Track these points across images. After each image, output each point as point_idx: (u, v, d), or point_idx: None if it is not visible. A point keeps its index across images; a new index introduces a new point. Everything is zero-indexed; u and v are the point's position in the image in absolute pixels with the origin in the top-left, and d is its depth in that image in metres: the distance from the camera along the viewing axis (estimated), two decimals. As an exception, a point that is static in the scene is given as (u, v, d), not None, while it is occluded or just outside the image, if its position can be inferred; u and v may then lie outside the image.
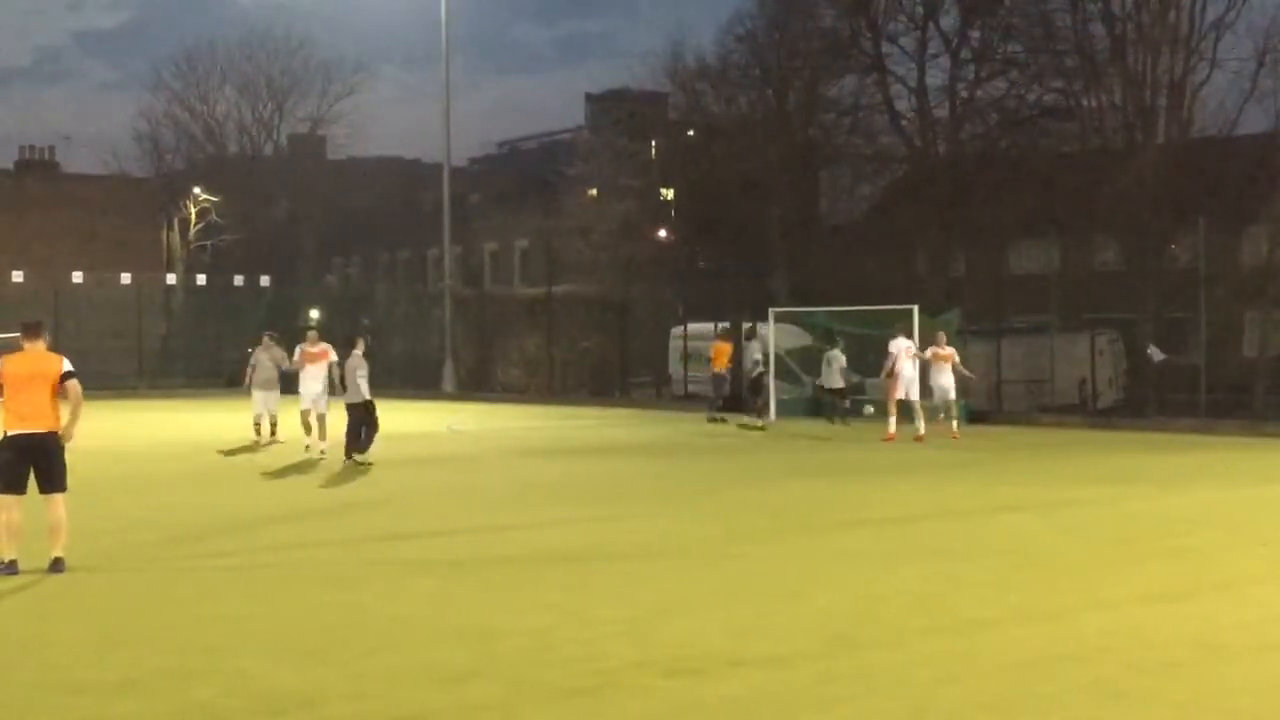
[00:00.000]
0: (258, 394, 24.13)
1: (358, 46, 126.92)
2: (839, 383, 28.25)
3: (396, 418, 20.06)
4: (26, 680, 7.76)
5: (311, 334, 22.89)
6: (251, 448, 23.11)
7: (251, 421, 24.18)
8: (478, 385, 45.10)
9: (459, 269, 55.37)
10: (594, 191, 52.33)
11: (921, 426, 23.85)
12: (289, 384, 23.71)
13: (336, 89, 70.47)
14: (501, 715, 7.09)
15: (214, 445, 23.27)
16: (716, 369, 29.94)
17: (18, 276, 48.86)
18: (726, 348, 29.96)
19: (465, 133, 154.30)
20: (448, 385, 46.03)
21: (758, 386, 28.89)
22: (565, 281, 48.72)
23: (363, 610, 9.69)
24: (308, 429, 21.94)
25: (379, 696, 7.37)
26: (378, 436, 20.20)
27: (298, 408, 22.28)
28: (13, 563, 11.00)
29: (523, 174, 62.40)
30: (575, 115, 61.23)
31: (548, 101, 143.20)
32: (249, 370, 24.58)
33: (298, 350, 22.65)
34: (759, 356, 28.78)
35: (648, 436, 26.12)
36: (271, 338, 24.77)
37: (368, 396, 20.16)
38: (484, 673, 7.85)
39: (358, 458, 19.87)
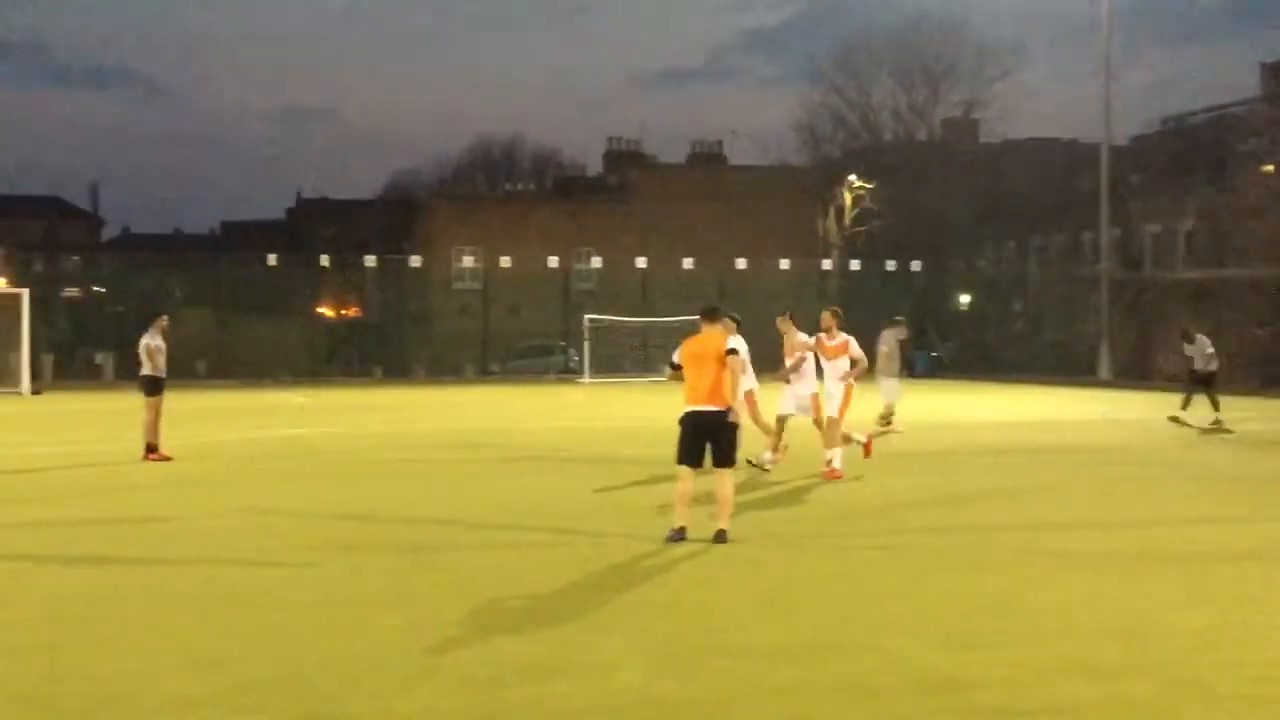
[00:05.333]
0: (886, 381, 22.07)
1: (1013, 26, 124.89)
2: None
3: (1045, 403, 19.65)
4: (692, 641, 8.30)
5: (828, 316, 17.46)
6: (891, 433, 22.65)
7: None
8: (1136, 373, 43.44)
9: (1116, 252, 53.45)
10: (1270, 167, 48.79)
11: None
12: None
13: (991, 71, 70.05)
14: (1156, 715, 6.79)
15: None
16: None
17: (687, 263, 52.46)
18: None
19: (1125, 109, 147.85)
20: (1103, 372, 44.64)
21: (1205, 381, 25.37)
22: (1235, 264, 45.90)
23: (1011, 598, 9.60)
24: (779, 436, 17.49)
25: (1029, 686, 7.28)
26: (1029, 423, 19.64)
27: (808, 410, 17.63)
28: (682, 529, 11.84)
29: (1189, 151, 59.06)
30: (1249, 86, 57.11)
31: (1218, 73, 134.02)
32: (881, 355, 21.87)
33: (813, 339, 17.58)
34: (1209, 351, 25.32)
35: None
36: (899, 322, 22.41)
37: None
38: (1138, 669, 7.55)
39: None
